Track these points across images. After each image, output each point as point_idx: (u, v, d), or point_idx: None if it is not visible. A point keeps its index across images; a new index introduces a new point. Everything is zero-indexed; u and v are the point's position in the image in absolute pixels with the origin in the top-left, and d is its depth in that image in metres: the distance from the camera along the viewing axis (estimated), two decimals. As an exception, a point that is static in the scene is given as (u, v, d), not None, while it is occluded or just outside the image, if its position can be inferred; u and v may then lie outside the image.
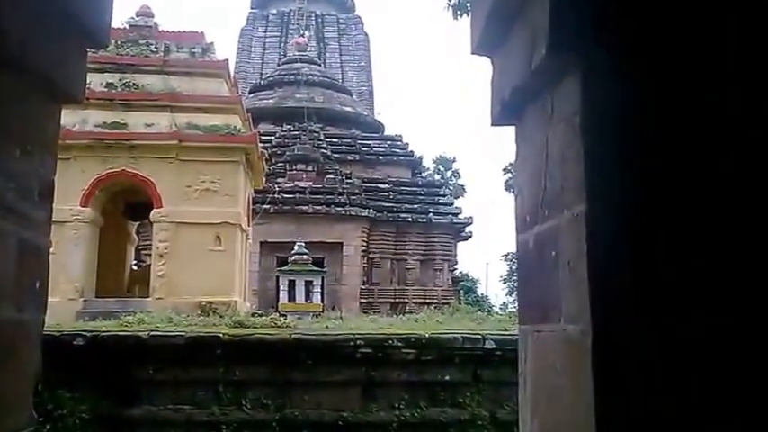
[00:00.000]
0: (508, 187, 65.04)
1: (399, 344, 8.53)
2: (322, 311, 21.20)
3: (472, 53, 2.47)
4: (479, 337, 8.85)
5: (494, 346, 8.71)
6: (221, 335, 8.52)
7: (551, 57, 1.77)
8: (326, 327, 9.51)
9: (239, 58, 42.83)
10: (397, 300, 29.53)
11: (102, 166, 14.70)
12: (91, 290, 14.92)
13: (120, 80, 15.49)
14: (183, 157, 15.12)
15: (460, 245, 33.38)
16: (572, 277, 1.73)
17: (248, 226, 17.99)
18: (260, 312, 18.07)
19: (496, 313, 20.13)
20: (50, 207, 2.17)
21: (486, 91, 2.65)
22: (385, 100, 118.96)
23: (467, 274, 52.46)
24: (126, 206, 17.31)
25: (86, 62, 2.28)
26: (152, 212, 14.94)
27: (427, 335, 8.77)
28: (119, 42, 15.66)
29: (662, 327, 1.62)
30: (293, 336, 8.65)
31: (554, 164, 1.92)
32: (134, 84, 15.52)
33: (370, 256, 30.47)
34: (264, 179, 29.24)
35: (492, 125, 2.59)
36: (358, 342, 8.48)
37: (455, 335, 8.92)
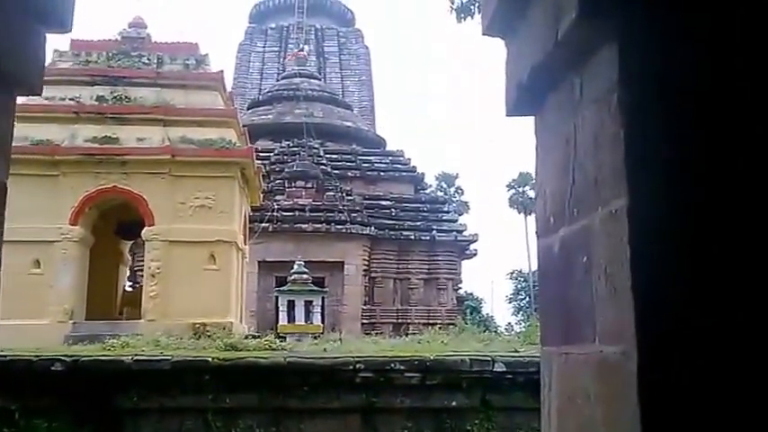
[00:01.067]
0: (512, 204, 64.73)
1: (402, 367, 7.95)
2: (322, 333, 20.58)
3: (483, 34, 2.28)
4: (488, 359, 8.23)
5: (504, 369, 8.12)
6: (210, 359, 7.90)
7: (582, 24, 1.56)
8: (324, 349, 8.88)
9: (237, 73, 42.43)
10: (400, 320, 28.87)
11: (93, 182, 14.13)
12: (81, 312, 14.31)
13: (111, 93, 14.97)
14: (177, 172, 14.58)
15: (465, 263, 32.74)
16: (609, 288, 1.54)
17: (245, 244, 17.39)
18: (257, 334, 17.47)
19: (503, 333, 19.51)
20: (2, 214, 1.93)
21: (495, 86, 2.28)
22: (387, 115, 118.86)
23: (471, 294, 51.84)
24: (118, 225, 16.74)
25: (45, 47, 2.14)
26: (144, 230, 14.36)
27: (432, 357, 8.16)
28: (110, 54, 15.17)
29: (724, 347, 1.38)
30: (288, 359, 8.01)
31: (585, 153, 1.72)
32: (126, 97, 15.00)
33: (372, 275, 29.83)
34: (262, 196, 28.70)
35: (507, 115, 2.35)
36: (358, 366, 7.88)
37: (462, 357, 8.30)
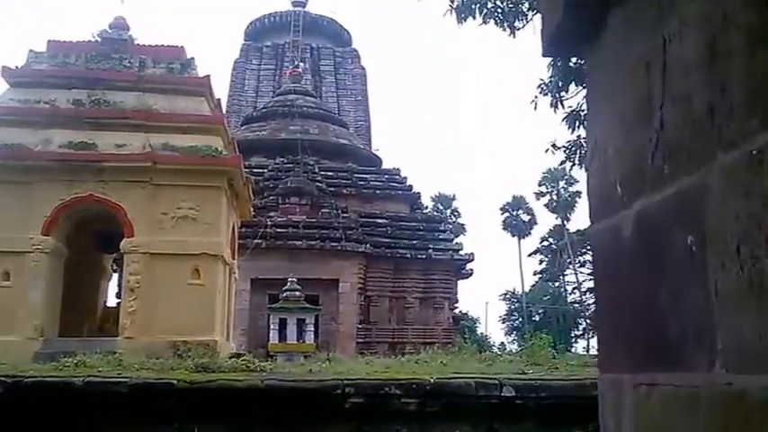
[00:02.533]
0: (506, 226, 64.13)
1: (398, 391, 6.95)
2: (315, 352, 19.63)
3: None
4: (495, 382, 7.26)
5: (513, 394, 7.16)
6: (176, 381, 6.83)
7: None
8: (310, 370, 7.92)
9: (232, 90, 41.73)
10: (396, 340, 27.92)
11: (67, 190, 13.24)
12: (53, 328, 13.37)
13: (89, 97, 14.13)
14: (158, 180, 13.72)
15: (460, 283, 31.87)
16: (746, 281, 1.04)
17: (233, 259, 16.47)
18: (243, 353, 16.55)
19: (503, 353, 18.61)
20: None
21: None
22: (384, 136, 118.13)
23: (466, 314, 51.12)
24: (98, 236, 15.82)
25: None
26: (122, 242, 13.45)
27: (432, 380, 7.19)
28: (89, 56, 14.35)
29: None
30: (266, 382, 6.96)
31: (686, 75, 1.23)
32: (105, 100, 14.17)
33: (368, 293, 28.94)
34: (254, 211, 27.87)
35: (544, 55, 1.87)
36: (347, 389, 6.84)
37: (466, 380, 7.33)
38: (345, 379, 7.11)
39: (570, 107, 12.18)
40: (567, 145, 12.84)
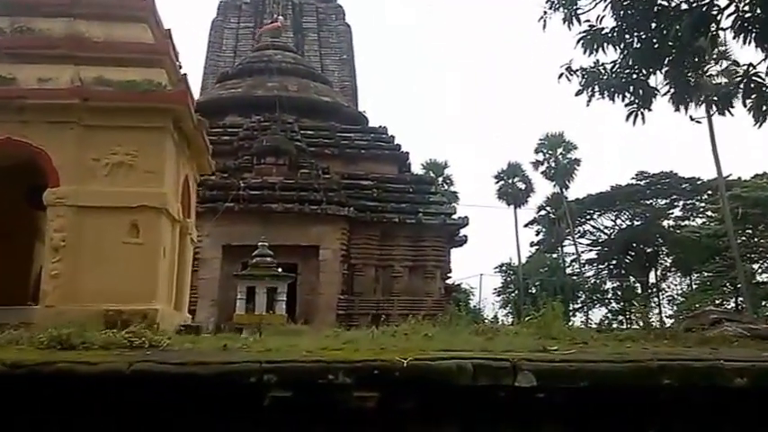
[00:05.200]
0: (501, 195, 61.91)
1: (348, 380, 4.57)
2: (287, 324, 17.58)
3: None
4: (506, 364, 4.84)
5: (534, 384, 4.81)
6: (-6, 363, 4.56)
7: None
8: (225, 346, 5.68)
9: (210, 50, 39.47)
10: (381, 311, 25.85)
11: (-19, 132, 11.11)
12: (-35, 297, 11.26)
13: (11, 24, 11.94)
14: (89, 121, 11.55)
15: (454, 253, 29.81)
16: None
17: (188, 218, 14.36)
18: (201, 325, 14.51)
19: (505, 326, 16.06)
20: None
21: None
22: (372, 101, 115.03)
23: (459, 285, 49.22)
24: (31, 192, 13.63)
25: None
26: (45, 193, 11.31)
27: (405, 362, 4.71)
28: (10, -24, 12.11)
29: None
30: (135, 367, 4.55)
31: None
32: (29, 29, 11.98)
33: (352, 261, 26.89)
34: (226, 173, 25.82)
35: None
36: (267, 377, 4.49)
37: (458, 360, 4.86)
38: (266, 361, 4.57)
39: (588, 21, 10.04)
40: (584, 70, 10.59)
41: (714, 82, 26.18)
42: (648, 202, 57.36)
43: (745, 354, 5.81)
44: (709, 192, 51.90)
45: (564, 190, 60.26)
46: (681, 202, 57.49)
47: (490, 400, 4.86)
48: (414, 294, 26.80)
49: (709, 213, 53.80)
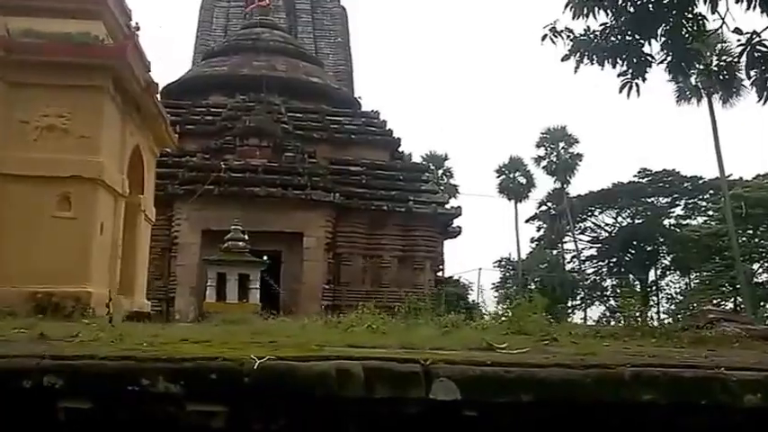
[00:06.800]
0: (502, 190, 60.44)
1: (172, 387, 3.08)
2: (260, 313, 16.19)
3: None
4: (416, 368, 3.37)
5: (456, 396, 3.31)
6: None
7: None
8: (42, 335, 4.17)
9: (200, 31, 37.89)
10: (367, 303, 24.39)
11: None
12: None
13: (-68, -30, 10.58)
14: (16, 77, 10.29)
15: (450, 246, 28.31)
16: None
17: (141, 193, 13.01)
18: (150, 311, 13.18)
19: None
20: None
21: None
22: (370, 89, 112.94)
23: (458, 280, 47.73)
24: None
25: None
26: (-37, 158, 9.99)
27: (258, 362, 3.22)
28: None
29: None
30: None
31: None
32: (-49, -26, 10.61)
33: (338, 250, 25.44)
34: (207, 154, 24.35)
35: None
36: (48, 380, 3.02)
37: (344, 361, 3.39)
38: (50, 356, 3.18)
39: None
40: (570, 31, 9.21)
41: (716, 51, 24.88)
42: (650, 200, 55.99)
43: (752, 359, 4.31)
44: (711, 191, 50.66)
45: (565, 185, 58.76)
46: (682, 201, 56.08)
47: (394, 421, 3.34)
48: (402, 285, 25.30)
49: (710, 212, 52.40)
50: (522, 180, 60.82)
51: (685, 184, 54.63)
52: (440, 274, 28.53)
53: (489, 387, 3.34)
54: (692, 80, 38.30)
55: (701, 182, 53.35)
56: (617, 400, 3.34)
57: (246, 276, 18.46)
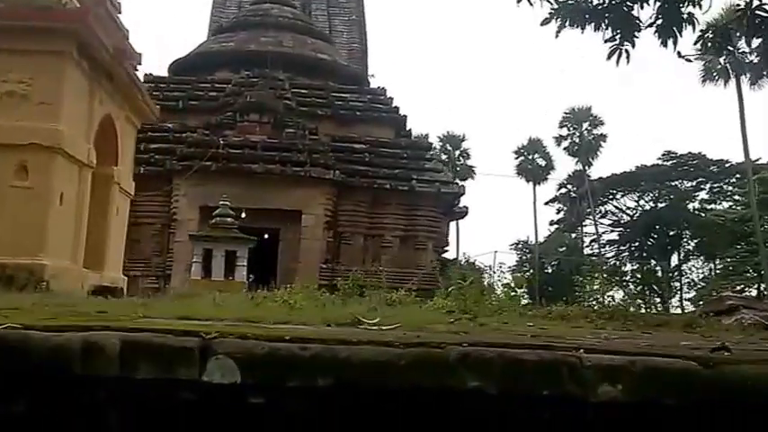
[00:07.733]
0: (520, 171, 59.68)
1: None
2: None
3: None
4: (191, 342, 2.77)
5: (236, 379, 2.72)
6: None
7: None
8: None
9: (214, 7, 37.67)
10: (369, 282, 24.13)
11: None
12: None
13: None
14: (-26, 42, 10.00)
15: (466, 228, 27.98)
16: None
17: (114, 164, 12.80)
18: (117, 287, 12.94)
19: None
20: None
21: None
22: (388, 70, 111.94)
23: (473, 263, 47.35)
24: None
25: None
26: None
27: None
28: None
29: None
30: None
31: None
32: None
33: (338, 229, 25.22)
34: (207, 129, 24.13)
35: None
36: None
37: (98, 332, 2.82)
38: None
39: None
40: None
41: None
42: (674, 184, 54.94)
43: (660, 341, 3.56)
44: (737, 175, 49.53)
45: (587, 167, 57.93)
46: (707, 185, 55.01)
47: (165, 409, 2.81)
48: (403, 266, 25.04)
49: (736, 197, 51.33)
50: (542, 162, 60.07)
51: (711, 168, 53.59)
52: (444, 254, 28.22)
53: (277, 367, 2.75)
54: (721, 60, 37.56)
55: (727, 166, 52.27)
56: (437, 386, 2.76)
57: (234, 253, 18.28)
